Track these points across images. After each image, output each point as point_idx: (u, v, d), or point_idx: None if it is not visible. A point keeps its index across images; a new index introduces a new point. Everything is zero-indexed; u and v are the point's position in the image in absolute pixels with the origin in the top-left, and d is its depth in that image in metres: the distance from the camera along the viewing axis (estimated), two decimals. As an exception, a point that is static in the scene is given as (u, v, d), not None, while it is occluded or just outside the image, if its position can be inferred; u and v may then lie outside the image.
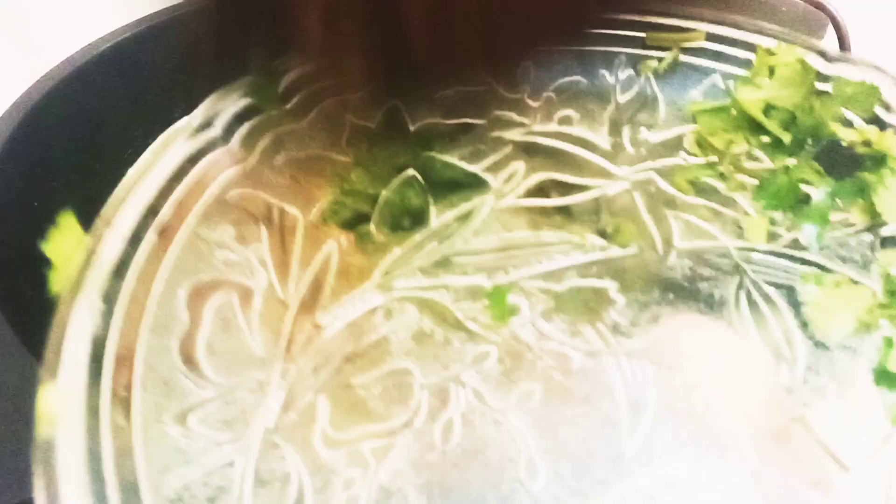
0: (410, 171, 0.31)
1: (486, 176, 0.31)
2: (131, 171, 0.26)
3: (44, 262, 0.42)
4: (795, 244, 0.31)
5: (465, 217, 0.30)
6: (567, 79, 0.34)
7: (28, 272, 0.41)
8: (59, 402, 0.21)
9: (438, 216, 0.30)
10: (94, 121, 0.45)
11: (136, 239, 0.25)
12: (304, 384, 0.25)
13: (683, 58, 0.35)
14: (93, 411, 0.21)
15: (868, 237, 0.31)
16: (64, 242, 0.24)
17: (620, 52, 0.34)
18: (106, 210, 0.25)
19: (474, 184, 0.31)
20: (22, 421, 0.29)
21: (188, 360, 0.23)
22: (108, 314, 0.23)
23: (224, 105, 0.29)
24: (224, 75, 0.29)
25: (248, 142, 0.28)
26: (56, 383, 0.21)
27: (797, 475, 0.26)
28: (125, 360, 0.22)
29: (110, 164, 0.47)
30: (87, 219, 0.44)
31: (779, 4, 0.45)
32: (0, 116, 0.40)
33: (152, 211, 0.26)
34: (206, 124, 0.28)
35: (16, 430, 0.28)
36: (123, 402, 0.22)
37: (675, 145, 0.33)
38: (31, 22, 0.52)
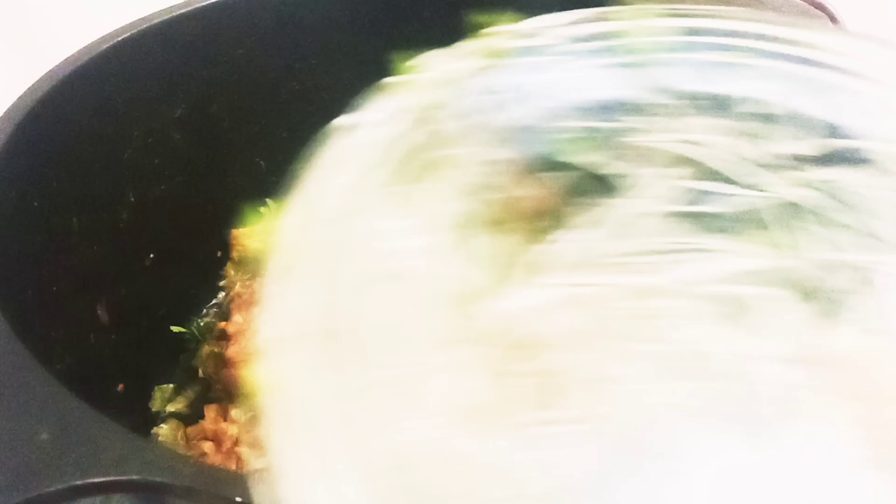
0: (547, 174, 0.31)
1: (627, 180, 0.31)
2: (296, 168, 0.29)
3: (47, 264, 0.42)
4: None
5: (609, 220, 0.30)
6: (706, 89, 0.34)
7: (28, 272, 0.42)
8: (278, 375, 0.24)
9: (580, 218, 0.30)
10: (95, 121, 0.45)
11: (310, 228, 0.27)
12: (474, 368, 0.25)
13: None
14: (305, 382, 0.24)
15: None
16: (267, 228, 0.26)
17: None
18: (283, 201, 0.28)
19: (615, 187, 0.31)
20: (22, 420, 0.29)
21: (360, 341, 0.25)
22: (304, 294, 0.25)
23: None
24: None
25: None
26: (275, 357, 0.24)
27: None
28: (321, 336, 0.25)
29: (110, 164, 0.48)
30: (88, 216, 0.44)
31: (780, 4, 0.45)
32: (0, 116, 0.40)
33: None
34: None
35: (16, 430, 0.28)
36: (325, 375, 0.24)
37: (821, 158, 0.33)
38: (31, 22, 0.52)
